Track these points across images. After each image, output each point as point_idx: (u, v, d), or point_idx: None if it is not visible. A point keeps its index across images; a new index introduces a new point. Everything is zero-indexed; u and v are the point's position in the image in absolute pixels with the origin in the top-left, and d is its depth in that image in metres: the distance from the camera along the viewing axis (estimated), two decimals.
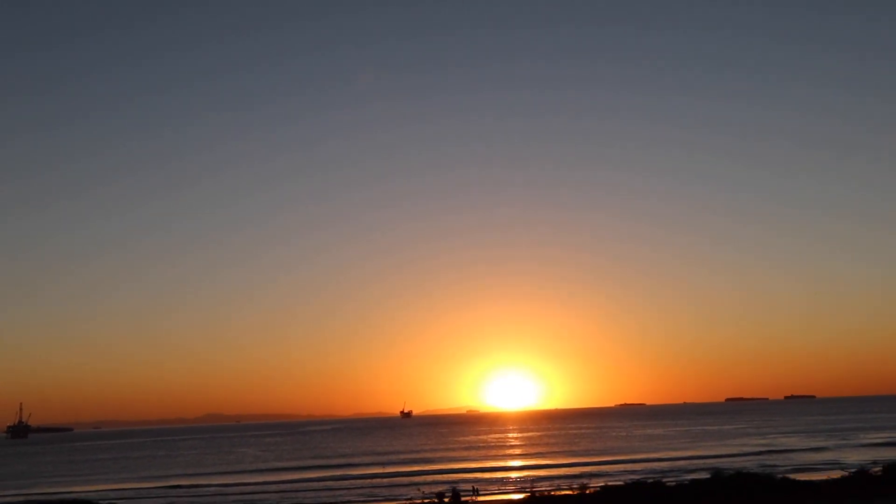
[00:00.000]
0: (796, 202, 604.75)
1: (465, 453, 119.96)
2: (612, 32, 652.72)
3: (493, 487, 64.77)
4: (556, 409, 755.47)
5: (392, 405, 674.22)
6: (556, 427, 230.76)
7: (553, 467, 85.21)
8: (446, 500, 43.57)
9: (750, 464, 74.40)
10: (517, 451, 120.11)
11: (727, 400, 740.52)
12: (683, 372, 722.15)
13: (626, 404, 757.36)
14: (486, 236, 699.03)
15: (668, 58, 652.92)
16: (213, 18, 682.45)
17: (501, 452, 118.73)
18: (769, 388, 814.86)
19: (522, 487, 60.81)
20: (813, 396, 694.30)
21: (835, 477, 45.01)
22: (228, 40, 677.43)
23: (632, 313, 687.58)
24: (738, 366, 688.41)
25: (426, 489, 55.34)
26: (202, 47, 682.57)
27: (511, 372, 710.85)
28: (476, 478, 74.05)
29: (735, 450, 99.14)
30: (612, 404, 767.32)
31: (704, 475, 47.38)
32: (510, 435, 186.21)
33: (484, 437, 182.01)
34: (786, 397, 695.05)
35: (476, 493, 49.36)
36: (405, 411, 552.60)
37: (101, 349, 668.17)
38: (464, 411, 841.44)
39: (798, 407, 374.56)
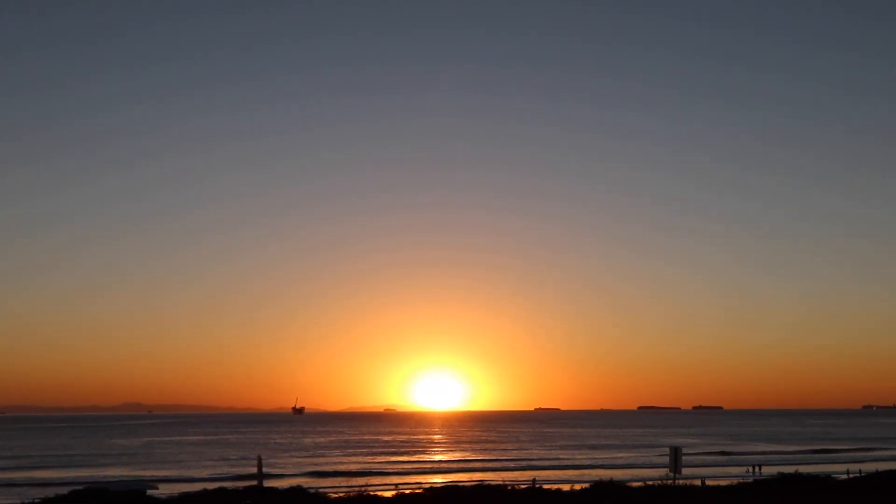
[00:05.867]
0: (718, 217, 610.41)
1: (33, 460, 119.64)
2: (526, 40, 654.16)
3: None
4: (476, 412, 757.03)
5: (315, 401, 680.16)
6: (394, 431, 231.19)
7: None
8: None
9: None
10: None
11: (639, 408, 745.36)
12: (603, 379, 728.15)
13: (540, 409, 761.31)
14: (418, 237, 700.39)
15: (581, 66, 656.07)
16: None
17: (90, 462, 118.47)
18: (680, 398, 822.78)
19: None
20: (720, 407, 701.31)
21: None
22: (153, 30, 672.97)
23: (558, 319, 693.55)
24: (652, 375, 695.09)
25: None
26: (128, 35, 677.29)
27: (439, 373, 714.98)
28: None
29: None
30: (531, 408, 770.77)
31: None
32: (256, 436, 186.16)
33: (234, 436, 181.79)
34: (694, 408, 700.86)
35: None
36: (297, 407, 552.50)
37: (20, 332, 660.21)
38: (381, 410, 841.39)
39: (613, 419, 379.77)
